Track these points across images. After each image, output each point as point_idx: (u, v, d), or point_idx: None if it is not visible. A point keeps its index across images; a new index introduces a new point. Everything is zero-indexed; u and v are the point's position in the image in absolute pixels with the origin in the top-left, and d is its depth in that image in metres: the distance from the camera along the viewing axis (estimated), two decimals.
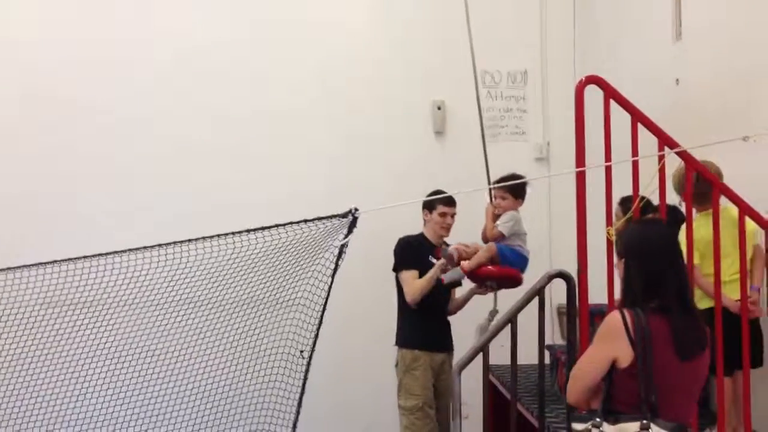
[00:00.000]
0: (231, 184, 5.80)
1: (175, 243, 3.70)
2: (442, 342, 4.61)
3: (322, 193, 5.53)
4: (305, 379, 3.98)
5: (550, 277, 3.59)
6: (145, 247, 3.80)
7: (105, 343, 4.69)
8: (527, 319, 3.62)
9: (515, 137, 6.22)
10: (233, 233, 3.65)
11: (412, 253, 4.54)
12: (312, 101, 5.97)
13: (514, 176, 4.21)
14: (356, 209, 3.80)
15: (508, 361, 3.78)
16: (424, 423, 4.42)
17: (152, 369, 4.69)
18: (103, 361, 4.76)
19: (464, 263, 4.11)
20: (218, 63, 5.92)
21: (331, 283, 3.73)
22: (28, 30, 5.76)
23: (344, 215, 3.86)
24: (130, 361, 4.75)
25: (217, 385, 4.82)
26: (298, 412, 4.08)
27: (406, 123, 6.10)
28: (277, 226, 3.56)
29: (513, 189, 4.18)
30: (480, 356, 3.63)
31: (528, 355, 3.73)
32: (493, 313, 4.36)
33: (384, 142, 6.03)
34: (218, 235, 3.70)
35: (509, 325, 3.59)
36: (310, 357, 3.95)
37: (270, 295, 4.15)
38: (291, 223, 3.54)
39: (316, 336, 3.87)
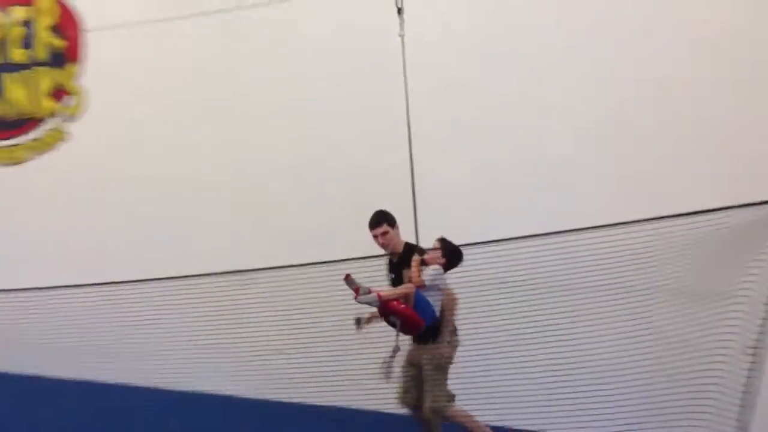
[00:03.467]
0: None
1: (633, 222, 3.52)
2: None
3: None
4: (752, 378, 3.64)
5: None
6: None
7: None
8: None
9: None
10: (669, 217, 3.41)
11: None
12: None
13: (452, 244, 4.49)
14: None
15: None
16: None
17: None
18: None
19: (381, 292, 4.35)
20: None
21: None
22: None
23: None
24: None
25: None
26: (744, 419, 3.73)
27: None
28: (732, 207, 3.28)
29: (445, 250, 4.47)
30: None
31: None
32: (396, 349, 4.44)
33: None
34: (647, 220, 3.48)
35: None
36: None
37: (700, 286, 3.87)
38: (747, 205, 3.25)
39: (761, 332, 3.53)
